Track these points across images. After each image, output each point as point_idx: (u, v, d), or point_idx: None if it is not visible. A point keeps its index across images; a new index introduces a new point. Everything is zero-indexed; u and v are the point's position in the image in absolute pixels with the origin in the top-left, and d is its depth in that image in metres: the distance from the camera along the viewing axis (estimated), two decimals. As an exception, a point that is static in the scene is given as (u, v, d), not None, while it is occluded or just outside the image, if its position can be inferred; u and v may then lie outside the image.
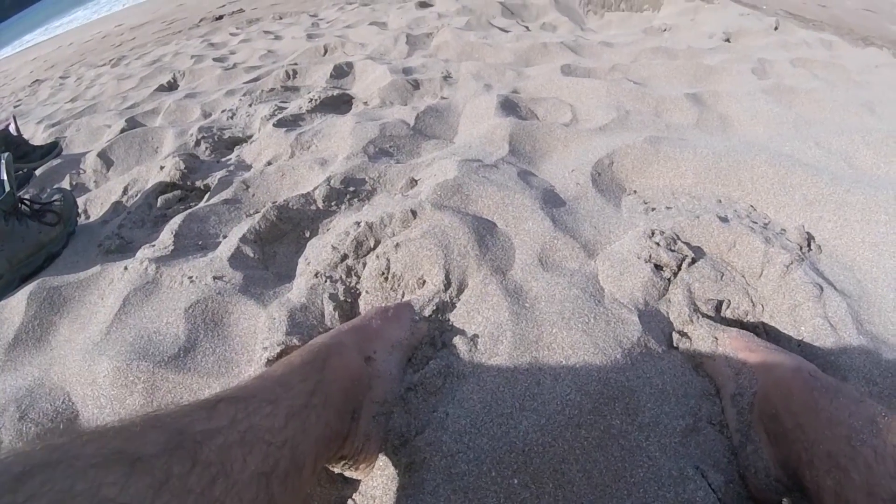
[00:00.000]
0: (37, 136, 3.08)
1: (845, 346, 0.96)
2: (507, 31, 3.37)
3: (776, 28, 3.61)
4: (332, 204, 1.45)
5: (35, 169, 2.26)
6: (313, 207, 1.44)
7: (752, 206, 1.36)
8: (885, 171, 1.51)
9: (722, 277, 1.09)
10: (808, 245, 1.21)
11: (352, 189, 1.49)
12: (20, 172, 2.18)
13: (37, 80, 7.75)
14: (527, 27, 3.58)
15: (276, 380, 0.70)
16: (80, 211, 1.82)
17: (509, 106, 1.86)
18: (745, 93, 2.00)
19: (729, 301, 1.06)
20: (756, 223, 1.24)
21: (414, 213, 1.22)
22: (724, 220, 1.19)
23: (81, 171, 2.18)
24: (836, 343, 0.96)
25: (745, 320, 1.05)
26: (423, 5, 4.49)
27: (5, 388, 1.11)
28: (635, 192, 1.43)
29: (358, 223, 1.24)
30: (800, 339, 0.99)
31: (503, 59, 2.61)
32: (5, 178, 1.50)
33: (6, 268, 1.44)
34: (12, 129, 2.28)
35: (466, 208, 1.26)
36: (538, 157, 1.59)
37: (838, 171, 1.48)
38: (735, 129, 1.80)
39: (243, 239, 1.34)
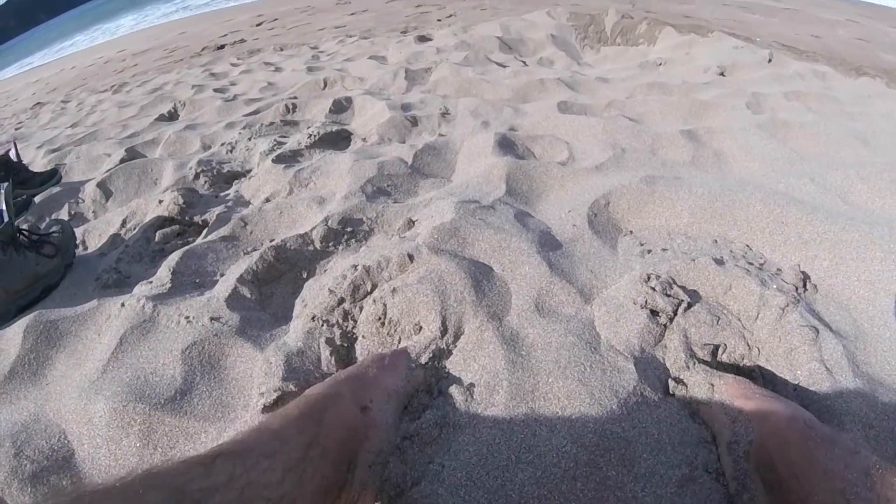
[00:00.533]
0: (37, 161, 3.10)
1: (842, 390, 0.96)
2: (504, 67, 3.42)
3: (770, 60, 3.66)
4: (330, 245, 1.46)
5: (34, 195, 2.27)
6: (311, 248, 1.45)
7: (747, 245, 1.37)
8: (879, 206, 1.54)
9: (718, 322, 1.09)
10: (804, 285, 1.22)
11: (349, 230, 1.50)
12: (19, 199, 2.20)
13: (38, 103, 7.81)
14: (524, 62, 3.64)
15: (274, 433, 0.70)
16: (77, 242, 1.82)
17: (506, 144, 1.88)
18: (740, 128, 2.02)
19: (725, 345, 1.06)
20: (752, 264, 1.25)
21: (411, 257, 1.23)
22: (720, 262, 1.20)
23: (80, 201, 2.20)
24: (833, 387, 0.96)
25: (741, 364, 1.05)
26: (423, 39, 4.56)
27: (1, 423, 1.10)
28: (631, 232, 1.44)
29: (355, 266, 1.25)
30: (796, 383, 0.99)
31: (501, 95, 2.65)
32: (4, 208, 1.51)
33: (2, 298, 1.45)
34: (13, 154, 2.30)
35: (463, 252, 1.27)
36: (535, 197, 1.60)
37: (833, 207, 1.49)
38: (730, 166, 1.82)
39: (240, 279, 1.35)
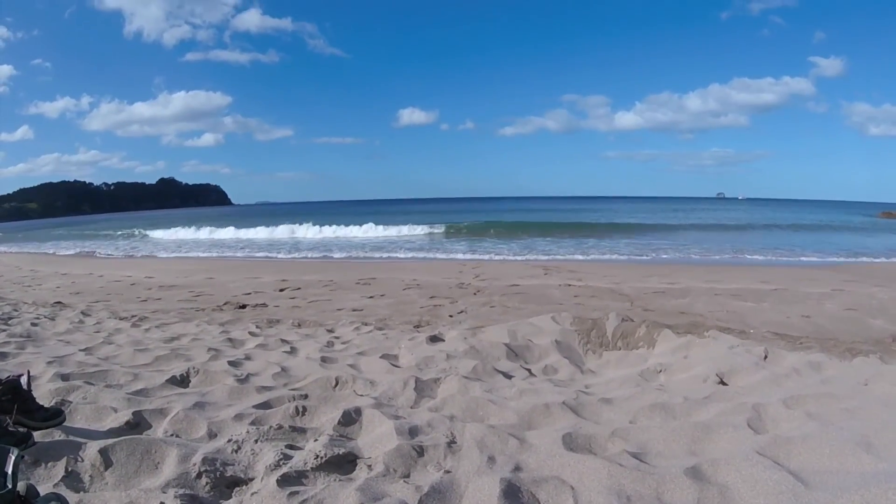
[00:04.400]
0: (43, 380, 3.20)
1: None
2: (510, 377, 3.60)
3: (765, 358, 3.82)
4: None
5: (36, 430, 2.28)
6: None
7: None
8: (886, 530, 1.54)
9: None
10: None
11: None
12: (21, 430, 2.18)
13: (59, 303, 8.28)
14: (530, 370, 3.83)
15: None
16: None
17: (511, 493, 1.91)
18: (744, 457, 2.07)
19: None
20: None
21: None
22: None
23: (80, 459, 2.17)
24: None
25: None
26: (434, 340, 4.83)
27: None
28: None
29: None
30: None
31: (507, 419, 2.75)
32: (10, 472, 1.49)
33: None
34: (24, 381, 2.36)
35: None
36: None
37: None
38: (736, 505, 1.83)
39: None
